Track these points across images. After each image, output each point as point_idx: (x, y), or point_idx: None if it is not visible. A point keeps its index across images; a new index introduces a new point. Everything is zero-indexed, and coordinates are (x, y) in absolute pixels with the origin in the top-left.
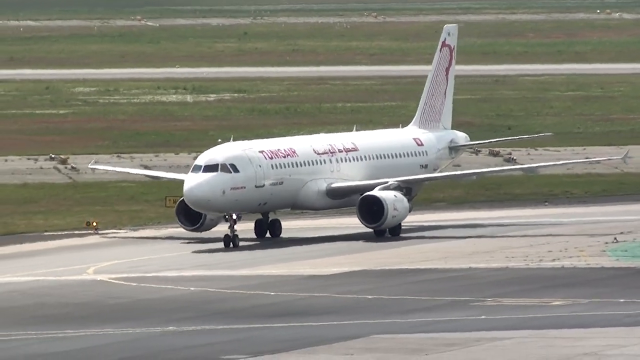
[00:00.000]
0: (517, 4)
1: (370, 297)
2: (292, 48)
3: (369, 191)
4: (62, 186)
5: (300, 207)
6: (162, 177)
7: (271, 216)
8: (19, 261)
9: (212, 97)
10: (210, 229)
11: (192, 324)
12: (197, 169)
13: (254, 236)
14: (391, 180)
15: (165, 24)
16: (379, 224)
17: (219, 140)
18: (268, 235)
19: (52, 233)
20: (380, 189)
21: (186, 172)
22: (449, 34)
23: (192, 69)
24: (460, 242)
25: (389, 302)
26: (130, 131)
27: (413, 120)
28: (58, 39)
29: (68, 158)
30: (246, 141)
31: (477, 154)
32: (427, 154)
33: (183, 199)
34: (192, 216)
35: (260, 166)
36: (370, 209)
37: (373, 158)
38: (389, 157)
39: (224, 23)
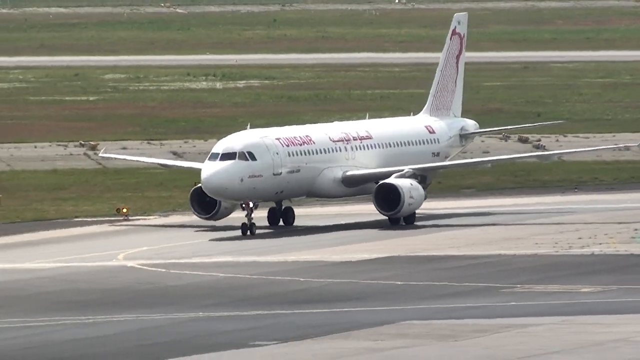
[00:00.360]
0: None
1: (399, 283)
2: (321, 35)
3: (384, 179)
4: (92, 172)
5: (315, 195)
6: (176, 166)
7: (284, 204)
8: (49, 247)
9: (241, 83)
10: (225, 217)
11: (221, 310)
12: (214, 156)
13: (267, 224)
14: (406, 168)
15: (194, 10)
16: (396, 212)
17: (248, 126)
18: (281, 223)
19: (82, 219)
20: (396, 177)
21: (203, 161)
22: (459, 23)
23: (221, 55)
24: (489, 229)
25: (419, 288)
26: (160, 118)
27: (424, 108)
28: (88, 25)
29: (98, 144)
30: (262, 129)
31: (506, 140)
32: (438, 142)
33: (197, 187)
34: (206, 204)
35: (277, 154)
36: (387, 197)
37: (387, 146)
38: (402, 144)
39: (254, 10)
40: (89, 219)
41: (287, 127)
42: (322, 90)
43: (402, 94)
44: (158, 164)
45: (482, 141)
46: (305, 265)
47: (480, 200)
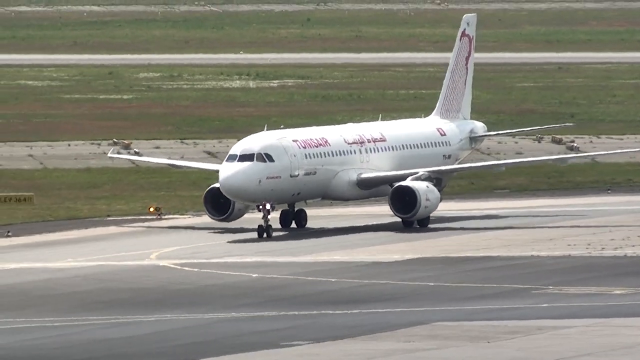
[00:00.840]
0: None
1: (432, 284)
2: (355, 34)
3: (399, 181)
4: (125, 171)
5: (331, 197)
6: (186, 167)
7: (297, 206)
8: (82, 246)
9: (275, 83)
10: (238, 218)
11: (254, 310)
12: (232, 158)
13: (279, 226)
14: (421, 171)
15: (228, 9)
16: (412, 215)
17: (282, 126)
18: (293, 225)
19: (115, 218)
20: (412, 179)
21: (219, 162)
22: (468, 24)
23: (255, 54)
24: (523, 230)
25: (451, 289)
26: (194, 117)
27: (434, 110)
28: (121, 24)
29: (131, 143)
30: (279, 130)
31: (539, 142)
32: (449, 144)
33: (211, 188)
34: (220, 205)
35: (294, 156)
36: (403, 199)
37: (400, 148)
38: (415, 147)
39: (287, 9)
40: (121, 218)
41: (303, 129)
42: (355, 90)
43: (436, 94)
44: (168, 164)
45: (516, 142)
46: (337, 266)
47: (513, 201)
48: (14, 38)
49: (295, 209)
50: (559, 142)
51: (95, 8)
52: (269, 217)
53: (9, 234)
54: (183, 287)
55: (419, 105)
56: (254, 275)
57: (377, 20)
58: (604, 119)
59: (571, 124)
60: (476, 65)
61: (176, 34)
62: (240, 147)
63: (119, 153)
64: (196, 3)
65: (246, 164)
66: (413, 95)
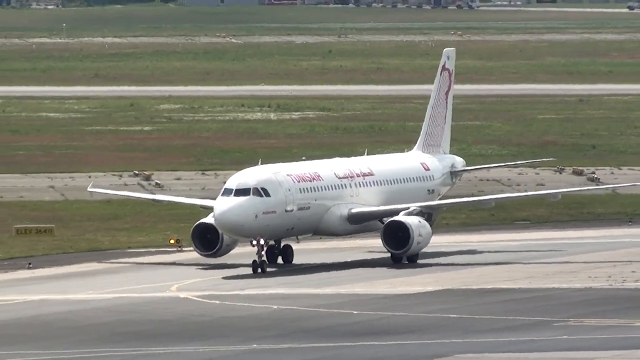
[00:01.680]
0: (602, 23)
1: (453, 316)
2: (377, 66)
3: (390, 216)
4: (146, 203)
5: (322, 232)
6: (168, 202)
7: (283, 242)
8: (103, 278)
9: (296, 115)
10: (226, 254)
11: (275, 342)
12: (228, 192)
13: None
14: (413, 206)
15: (250, 41)
16: (405, 250)
17: (303, 158)
18: (280, 261)
19: (135, 250)
20: (404, 215)
21: (202, 197)
22: (448, 58)
23: (276, 86)
24: (543, 262)
25: (472, 321)
26: (214, 148)
27: (417, 145)
28: (142, 55)
29: (152, 174)
30: (274, 164)
31: (560, 173)
32: (433, 179)
33: (199, 224)
34: (208, 241)
35: (289, 190)
36: (395, 235)
37: (387, 183)
38: (401, 182)
39: (309, 41)
40: (142, 250)
41: (295, 163)
42: (377, 121)
43: (457, 126)
44: (151, 199)
45: (537, 173)
46: (359, 298)
47: (534, 232)
48: (35, 70)
49: (282, 245)
50: (580, 173)
51: (116, 40)
52: (262, 252)
53: (30, 265)
54: (204, 319)
55: None
56: (274, 307)
57: (398, 52)
58: (625, 151)
59: (553, 159)
60: (497, 97)
61: (197, 66)
62: (235, 181)
63: (94, 186)
64: (217, 35)
65: (242, 198)
66: None
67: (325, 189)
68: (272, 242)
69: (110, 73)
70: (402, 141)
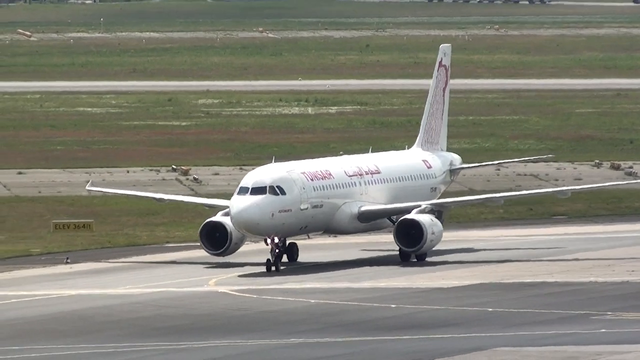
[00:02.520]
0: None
1: (490, 309)
2: (414, 60)
3: (399, 214)
4: None
5: (333, 230)
6: (170, 200)
7: (288, 240)
8: (141, 273)
9: (333, 109)
10: (234, 252)
11: (314, 336)
12: (244, 190)
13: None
14: (424, 204)
15: (287, 36)
16: (418, 248)
17: (341, 153)
18: (285, 259)
19: (173, 244)
20: (417, 212)
21: (201, 196)
22: (444, 54)
23: (314, 81)
24: (582, 255)
25: (510, 315)
26: (252, 143)
27: (416, 142)
28: (180, 50)
29: (190, 169)
30: (285, 162)
31: (598, 167)
32: (435, 177)
33: (207, 223)
34: (216, 240)
35: (304, 188)
36: (408, 233)
37: (394, 181)
38: (406, 179)
39: (346, 35)
40: (180, 245)
41: (307, 161)
42: (414, 116)
43: (494, 120)
44: (153, 198)
45: (575, 168)
46: (396, 292)
47: (572, 227)
48: (73, 65)
49: (287, 243)
50: (618, 168)
51: (154, 35)
52: (277, 250)
53: (68, 260)
54: (242, 313)
55: (478, 131)
56: (312, 301)
57: (435, 46)
58: None
59: (551, 155)
60: (534, 92)
61: (235, 61)
62: (251, 179)
63: (92, 184)
64: (254, 29)
65: (259, 196)
66: (472, 122)
67: (337, 187)
68: (276, 240)
69: (148, 68)
70: None
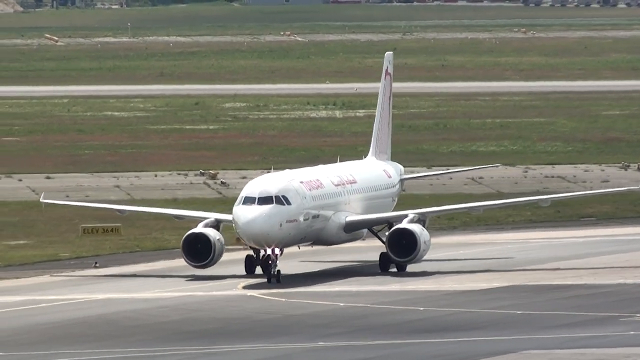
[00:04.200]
0: None
1: (519, 312)
2: (441, 63)
3: (384, 224)
4: (212, 201)
5: (321, 242)
6: (130, 212)
7: (263, 252)
8: (169, 276)
9: (361, 112)
10: (216, 263)
11: (342, 339)
12: (249, 200)
13: (244, 273)
14: (411, 213)
15: (314, 39)
16: (411, 258)
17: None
18: (259, 271)
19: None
20: (408, 222)
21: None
22: (389, 62)
23: (341, 84)
24: (610, 258)
25: (539, 317)
26: (280, 147)
27: (370, 151)
28: (208, 54)
29: (218, 173)
30: (281, 171)
31: (625, 170)
32: (394, 186)
33: (188, 235)
34: (198, 252)
35: (305, 198)
36: (400, 242)
37: (368, 190)
38: (376, 189)
39: (373, 39)
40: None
41: (298, 170)
42: (441, 119)
43: (522, 122)
44: (116, 210)
45: (602, 170)
46: (425, 295)
47: (600, 229)
48: (100, 69)
49: (263, 255)
50: None
51: (181, 39)
52: (277, 262)
53: (97, 265)
54: (270, 316)
55: (505, 134)
56: (341, 304)
57: (463, 49)
58: None
59: (498, 164)
60: (562, 94)
61: (262, 64)
62: (256, 189)
63: (46, 197)
64: (282, 33)
65: (267, 207)
66: (499, 124)
67: (328, 197)
68: (250, 252)
69: (175, 72)
70: (467, 138)
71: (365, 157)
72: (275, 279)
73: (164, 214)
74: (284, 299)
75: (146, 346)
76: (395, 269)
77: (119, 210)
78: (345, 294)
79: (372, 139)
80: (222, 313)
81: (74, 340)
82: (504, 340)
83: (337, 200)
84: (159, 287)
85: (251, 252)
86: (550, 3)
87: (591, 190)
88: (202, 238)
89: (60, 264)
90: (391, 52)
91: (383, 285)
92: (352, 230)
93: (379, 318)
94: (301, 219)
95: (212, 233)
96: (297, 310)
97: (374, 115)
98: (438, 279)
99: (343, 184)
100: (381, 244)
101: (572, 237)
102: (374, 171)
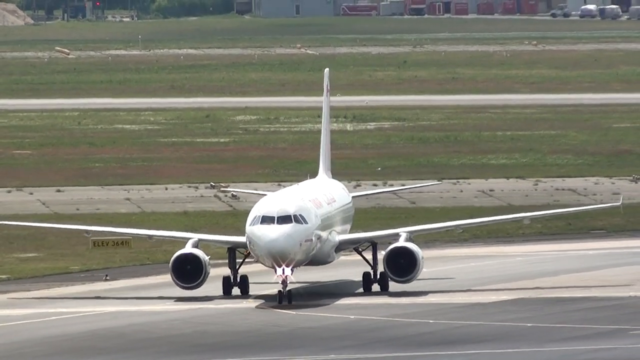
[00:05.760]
0: None
1: (529, 325)
2: (452, 76)
3: (373, 243)
4: (223, 214)
5: (315, 261)
6: (95, 232)
7: (240, 272)
8: (179, 289)
9: (371, 125)
10: (203, 284)
11: (353, 351)
12: (268, 220)
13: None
14: (401, 232)
15: (325, 52)
16: (410, 277)
17: (379, 168)
18: (235, 292)
19: (213, 261)
20: (405, 241)
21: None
22: (328, 79)
23: (352, 97)
24: (620, 270)
25: (548, 330)
26: (291, 159)
27: (321, 169)
28: (218, 67)
29: (228, 186)
30: (291, 186)
31: (636, 182)
32: (351, 204)
33: (178, 256)
34: (187, 273)
35: (316, 217)
36: (396, 262)
37: (342, 209)
38: (345, 207)
39: (384, 51)
40: (219, 261)
41: (295, 186)
42: (452, 131)
43: (533, 135)
44: (85, 231)
45: (613, 183)
46: (434, 307)
47: (610, 241)
48: (111, 82)
49: (239, 275)
50: None
51: (191, 51)
52: (288, 282)
53: (107, 277)
54: (280, 329)
55: (516, 146)
56: (351, 317)
57: (473, 61)
58: None
59: (438, 181)
60: (572, 106)
61: (273, 77)
62: (273, 208)
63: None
64: (293, 46)
65: (287, 225)
66: (510, 137)
67: (326, 216)
68: (227, 274)
69: (186, 85)
70: (478, 151)
71: (317, 176)
72: (287, 300)
73: (134, 234)
74: (293, 312)
75: (157, 359)
76: (378, 288)
77: (86, 231)
78: (356, 306)
79: (321, 156)
80: (232, 326)
81: (84, 354)
82: (514, 353)
83: (331, 219)
84: (169, 300)
85: (228, 274)
86: (580, 14)
87: (574, 208)
88: (192, 259)
89: (71, 277)
90: (327, 69)
91: (393, 298)
92: (342, 249)
93: (390, 331)
94: (314, 238)
95: (201, 254)
96: (307, 323)
97: (384, 128)
98: (447, 292)
99: (330, 203)
100: (365, 263)
101: (582, 250)
102: (340, 189)
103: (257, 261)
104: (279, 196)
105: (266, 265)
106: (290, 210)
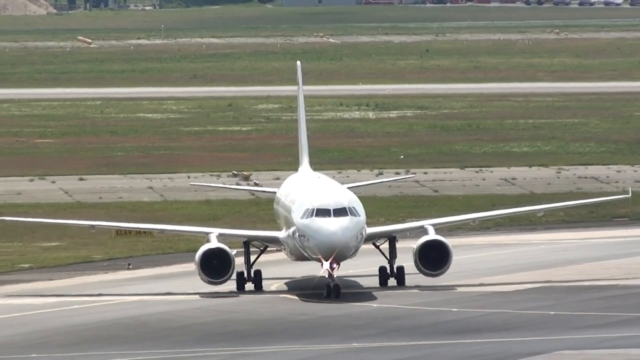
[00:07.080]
0: None
1: (552, 313)
2: (474, 65)
3: (391, 237)
4: (245, 203)
5: (341, 256)
6: (100, 226)
7: (254, 267)
8: (206, 284)
9: (394, 113)
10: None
11: (375, 340)
12: (324, 213)
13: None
14: (426, 224)
15: (347, 40)
16: (442, 271)
17: (401, 156)
18: (249, 287)
19: (235, 250)
20: (435, 234)
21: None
22: (300, 71)
23: (374, 85)
24: None
25: (572, 317)
26: (313, 148)
27: (304, 162)
28: (241, 56)
29: (251, 175)
30: (318, 180)
31: None
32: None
33: (206, 251)
34: (214, 268)
35: (362, 208)
36: (428, 255)
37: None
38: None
39: (406, 40)
40: (241, 250)
41: (319, 177)
42: (474, 120)
43: (555, 123)
44: (90, 226)
45: (635, 171)
46: (458, 295)
47: (633, 229)
48: (133, 71)
49: (253, 270)
50: None
51: (214, 40)
52: (335, 275)
53: (130, 266)
54: (303, 317)
55: (538, 134)
56: (374, 305)
57: (496, 50)
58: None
59: (413, 174)
60: (595, 95)
61: (295, 66)
62: (328, 200)
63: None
64: (315, 34)
65: (344, 218)
66: (532, 125)
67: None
68: (242, 269)
69: (208, 73)
70: (500, 139)
71: (302, 167)
72: (335, 294)
73: (135, 228)
74: (317, 300)
75: (180, 347)
76: (395, 279)
77: (91, 226)
78: (379, 295)
79: (302, 149)
80: (255, 314)
81: (107, 342)
82: (537, 341)
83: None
84: (192, 288)
85: (242, 269)
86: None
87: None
88: (219, 253)
89: (94, 266)
90: (299, 62)
91: (415, 287)
92: (367, 242)
93: (413, 319)
94: (363, 231)
95: (228, 249)
96: (330, 312)
97: (407, 116)
98: (471, 279)
99: None
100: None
101: (605, 238)
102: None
103: (290, 254)
104: (328, 188)
105: (310, 258)
106: (345, 202)
